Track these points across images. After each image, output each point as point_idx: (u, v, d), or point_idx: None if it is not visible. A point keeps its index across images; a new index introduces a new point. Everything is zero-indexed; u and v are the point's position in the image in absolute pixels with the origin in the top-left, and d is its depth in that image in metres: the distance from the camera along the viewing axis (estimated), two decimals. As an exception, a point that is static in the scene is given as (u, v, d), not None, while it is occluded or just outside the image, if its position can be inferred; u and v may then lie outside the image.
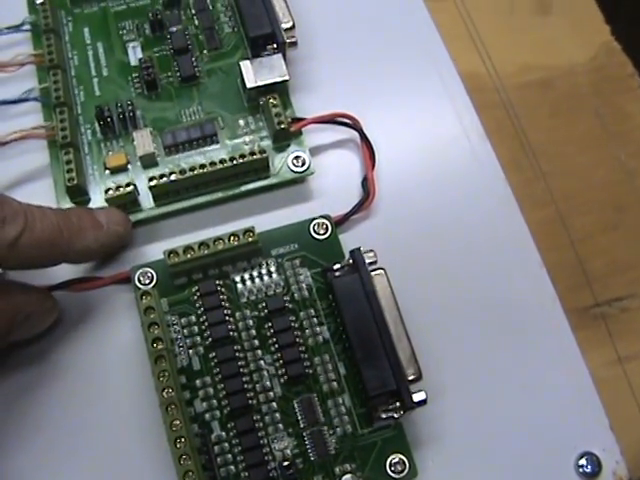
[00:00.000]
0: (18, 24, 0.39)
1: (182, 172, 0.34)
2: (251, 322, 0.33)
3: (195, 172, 0.34)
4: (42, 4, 0.38)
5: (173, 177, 0.34)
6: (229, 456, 0.31)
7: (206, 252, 0.32)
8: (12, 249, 0.28)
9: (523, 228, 0.36)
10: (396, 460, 0.31)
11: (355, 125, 0.36)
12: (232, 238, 0.33)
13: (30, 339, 0.33)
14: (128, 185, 0.34)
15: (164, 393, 0.30)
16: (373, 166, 0.36)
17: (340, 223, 0.35)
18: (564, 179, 0.38)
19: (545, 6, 0.42)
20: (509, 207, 0.37)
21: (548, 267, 0.35)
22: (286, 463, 0.31)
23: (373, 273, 0.32)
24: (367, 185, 0.36)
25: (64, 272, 0.34)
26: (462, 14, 0.41)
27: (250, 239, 0.33)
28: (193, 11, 0.39)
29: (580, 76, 0.41)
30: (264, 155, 0.34)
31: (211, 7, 0.39)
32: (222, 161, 0.34)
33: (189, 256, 0.32)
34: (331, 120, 0.36)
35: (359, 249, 0.33)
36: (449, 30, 0.40)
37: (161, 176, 0.34)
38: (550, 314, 0.35)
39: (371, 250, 0.33)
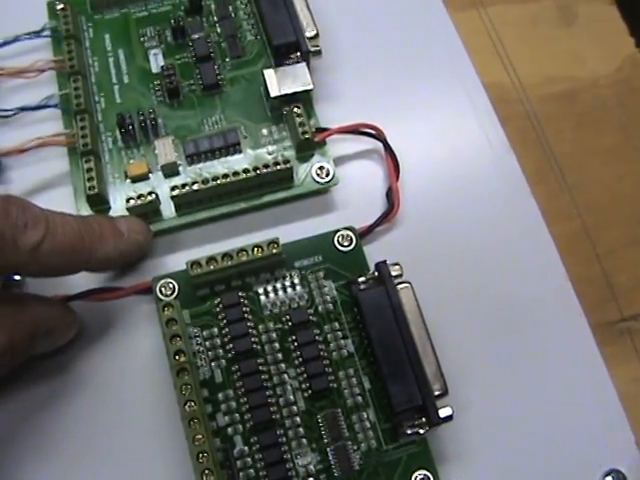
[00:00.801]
0: (38, 30, 0.38)
1: (205, 182, 0.33)
2: (274, 335, 0.32)
3: (218, 182, 0.33)
4: (62, 9, 0.38)
5: (196, 187, 0.33)
6: (252, 471, 0.30)
7: (229, 263, 0.32)
8: (34, 255, 0.27)
9: (548, 241, 0.36)
10: (421, 476, 0.31)
11: (379, 136, 0.36)
12: (256, 249, 0.32)
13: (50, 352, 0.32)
14: (150, 194, 0.33)
15: (186, 407, 0.30)
16: (397, 177, 0.36)
17: (364, 235, 0.35)
18: (589, 192, 0.38)
19: (569, 18, 0.42)
20: (534, 220, 0.36)
21: (573, 281, 0.35)
22: (310, 479, 0.30)
23: (399, 287, 0.32)
24: (391, 196, 0.35)
25: (84, 282, 0.33)
26: (486, 25, 0.41)
27: (274, 251, 0.32)
28: (215, 18, 0.39)
29: (604, 88, 0.40)
30: (288, 165, 0.34)
31: (233, 14, 0.39)
32: (245, 171, 0.33)
33: (212, 267, 0.32)
34: (355, 130, 0.36)
35: (385, 262, 0.32)
36: (473, 41, 0.39)
37: (183, 185, 0.33)
38: (575, 329, 0.34)
39: (397, 263, 0.32)
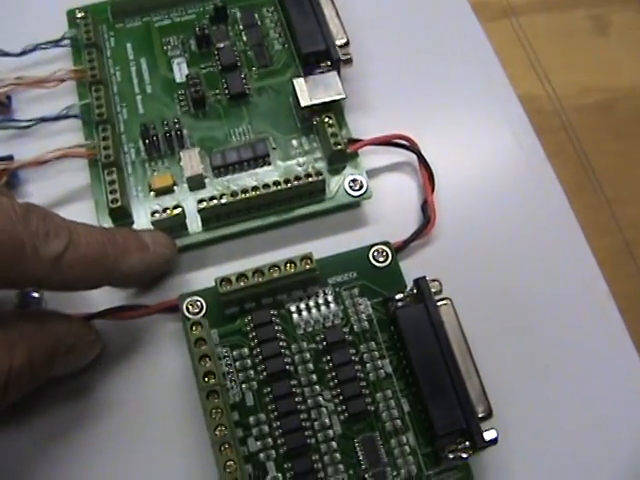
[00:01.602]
0: (58, 39, 0.37)
1: (233, 194, 0.32)
2: (308, 355, 0.31)
3: (247, 195, 0.32)
4: (83, 18, 0.37)
5: (224, 200, 0.32)
6: (286, 500, 0.28)
7: (260, 280, 0.30)
8: (56, 265, 0.26)
9: (589, 257, 0.34)
10: (464, 503, 0.29)
11: (413, 147, 0.35)
12: (289, 265, 0.31)
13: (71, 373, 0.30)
14: (175, 207, 0.31)
15: (216, 431, 0.28)
16: (433, 190, 0.34)
17: (399, 250, 0.33)
18: (630, 206, 0.36)
19: (602, 26, 0.40)
20: (574, 234, 0.35)
21: (615, 296, 0.33)
22: (348, 507, 0.28)
23: (439, 303, 0.30)
24: (427, 210, 0.34)
25: (106, 300, 0.32)
26: (519, 35, 0.40)
27: (308, 266, 0.31)
28: (241, 26, 0.38)
29: (642, 98, 0.39)
30: (321, 177, 0.32)
31: (259, 22, 0.38)
32: (276, 183, 0.32)
33: (242, 284, 0.30)
34: (388, 142, 0.34)
35: (424, 278, 0.30)
36: (506, 51, 0.38)
37: (211, 199, 0.32)
38: (619, 346, 0.33)
39: (436, 279, 0.31)
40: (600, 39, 0.40)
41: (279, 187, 0.32)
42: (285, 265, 0.31)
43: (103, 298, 0.32)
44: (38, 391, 0.28)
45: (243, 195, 0.32)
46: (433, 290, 0.31)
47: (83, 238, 0.27)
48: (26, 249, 0.25)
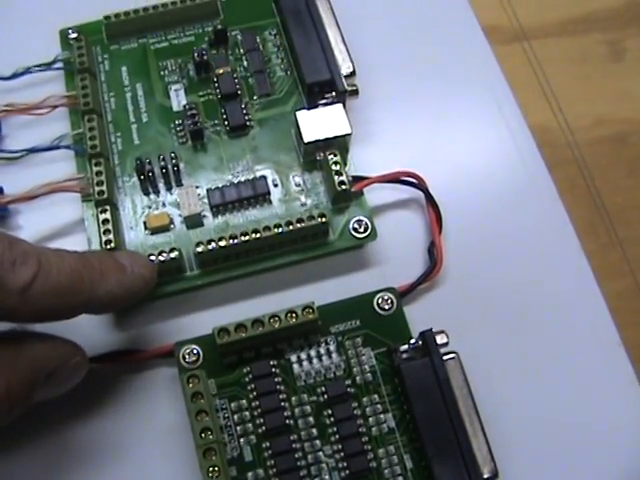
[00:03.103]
0: (50, 62, 0.35)
1: (232, 237, 0.30)
2: (309, 409, 0.29)
3: (247, 238, 0.30)
4: (76, 39, 0.35)
5: (222, 243, 0.30)
6: None
7: (260, 331, 0.29)
8: (24, 297, 0.24)
9: (600, 301, 0.33)
10: None
11: (420, 185, 0.33)
12: (289, 315, 0.29)
13: (60, 413, 0.30)
14: (172, 251, 0.30)
15: (214, 492, 0.27)
16: (440, 230, 0.33)
17: (404, 294, 0.32)
18: (643, 246, 0.35)
19: (618, 53, 0.39)
20: (585, 278, 0.34)
21: (627, 345, 0.32)
22: None
23: (445, 357, 0.29)
24: (434, 252, 0.32)
25: (100, 343, 0.31)
26: (531, 60, 0.38)
27: (310, 317, 0.29)
28: (242, 50, 0.36)
29: (658, 131, 0.37)
30: (324, 220, 0.31)
31: (261, 47, 0.36)
32: (277, 226, 0.31)
33: (242, 335, 0.29)
34: (395, 180, 0.33)
35: (431, 331, 0.29)
36: (518, 78, 0.37)
37: (209, 242, 0.30)
38: (630, 397, 0.32)
39: (442, 331, 0.30)
40: (615, 65, 0.39)
41: (280, 230, 0.31)
42: (286, 315, 0.29)
43: (96, 341, 0.31)
44: (24, 423, 0.27)
45: (242, 238, 0.30)
46: (440, 342, 0.29)
47: (54, 265, 0.25)
48: None
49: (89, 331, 0.31)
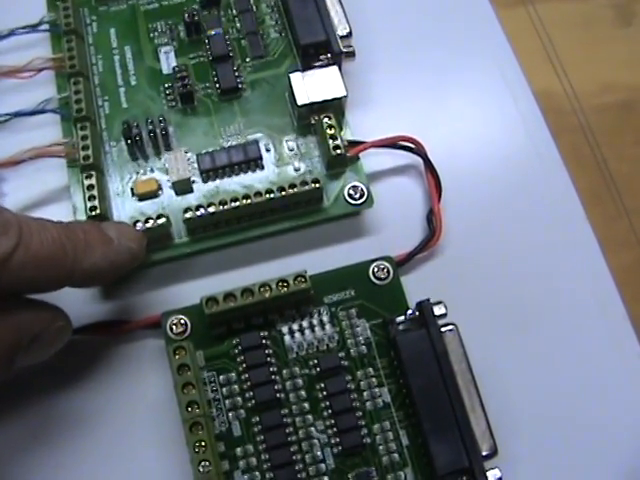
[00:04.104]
0: (35, 23, 0.34)
1: (222, 203, 0.29)
2: (300, 382, 0.28)
3: (237, 204, 0.29)
4: (63, 0, 0.33)
5: (212, 209, 0.29)
6: (274, 538, 0.26)
7: (250, 300, 0.28)
8: (4, 267, 0.23)
9: (605, 274, 0.32)
10: None
11: (419, 150, 0.32)
12: (281, 284, 0.28)
13: (44, 385, 0.29)
14: (159, 217, 0.29)
15: (200, 467, 0.26)
16: (439, 198, 0.31)
17: (401, 263, 0.31)
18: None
19: (627, 17, 0.37)
20: (590, 249, 0.32)
21: (634, 320, 0.31)
22: None
23: (443, 329, 0.28)
24: (433, 220, 0.31)
25: (86, 313, 0.30)
26: (536, 25, 0.36)
27: (302, 286, 0.28)
28: (234, 12, 0.35)
29: (667, 97, 0.36)
30: (318, 185, 0.29)
31: (255, 8, 0.35)
32: (269, 191, 0.29)
33: (231, 305, 0.28)
34: (392, 144, 0.31)
35: (428, 301, 0.28)
36: (521, 43, 0.35)
37: (198, 208, 0.29)
38: (634, 372, 0.30)
39: (440, 302, 0.28)
40: (623, 30, 0.37)
41: (272, 196, 0.29)
42: (277, 284, 0.28)
43: (82, 311, 0.30)
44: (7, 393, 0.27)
45: (233, 204, 0.29)
46: (438, 313, 0.28)
47: (36, 235, 0.24)
48: None
49: (75, 300, 0.30)
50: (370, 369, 0.29)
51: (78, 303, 0.30)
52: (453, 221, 0.32)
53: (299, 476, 0.27)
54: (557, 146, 0.34)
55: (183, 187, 0.31)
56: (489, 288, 0.31)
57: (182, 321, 0.29)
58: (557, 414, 0.30)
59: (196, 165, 0.31)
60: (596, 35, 0.37)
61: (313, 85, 0.31)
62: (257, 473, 0.27)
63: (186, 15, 0.34)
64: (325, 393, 0.28)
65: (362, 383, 0.29)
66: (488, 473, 0.27)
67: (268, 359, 0.28)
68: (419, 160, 0.32)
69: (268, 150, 0.32)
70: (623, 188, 0.34)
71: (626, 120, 0.35)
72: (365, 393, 0.28)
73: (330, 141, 0.30)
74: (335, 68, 0.32)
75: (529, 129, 0.34)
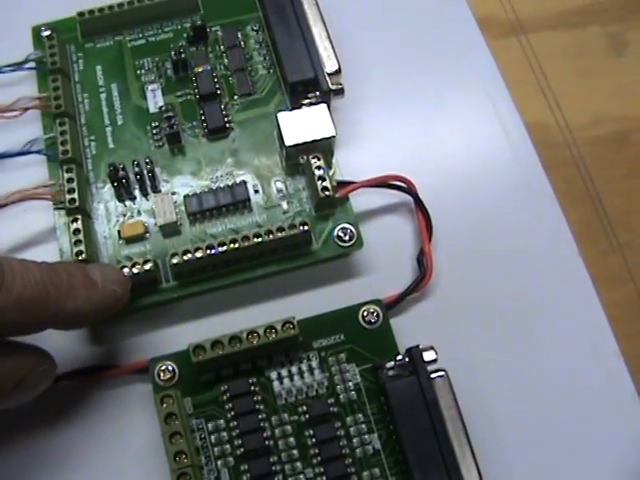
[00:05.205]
0: (21, 61, 0.34)
1: (209, 247, 0.29)
2: (289, 429, 0.28)
3: (225, 248, 0.29)
4: (49, 37, 0.33)
5: (199, 254, 0.29)
6: None
7: (238, 348, 0.28)
8: None
9: (598, 310, 0.32)
10: None
11: (410, 190, 0.32)
12: (269, 331, 0.28)
13: (30, 429, 0.29)
14: (146, 262, 0.29)
15: (188, 520, 0.26)
16: (430, 237, 0.31)
17: (391, 305, 0.30)
18: (643, 252, 0.33)
19: (619, 47, 0.37)
20: (582, 286, 0.32)
21: (626, 357, 0.31)
22: None
23: (433, 375, 0.28)
24: (424, 261, 0.31)
25: (71, 359, 0.29)
26: (527, 55, 0.36)
27: (291, 332, 0.28)
28: (222, 48, 0.34)
29: (659, 129, 0.36)
30: (306, 228, 0.29)
31: (243, 44, 0.34)
32: (257, 235, 0.29)
33: (219, 353, 0.27)
34: (383, 184, 0.31)
35: (418, 347, 0.28)
36: (513, 73, 0.35)
37: (184, 252, 0.29)
38: (628, 411, 0.30)
39: (431, 347, 0.28)
40: (616, 60, 0.37)
41: (260, 240, 0.29)
42: (265, 331, 0.28)
43: (68, 355, 0.30)
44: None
45: (220, 249, 0.29)
46: (428, 359, 0.28)
47: (19, 278, 0.24)
48: None
49: (61, 344, 0.30)
50: (360, 415, 0.28)
51: (65, 346, 0.30)
52: (444, 260, 0.32)
53: (289, 525, 0.27)
54: (549, 179, 0.34)
55: (170, 230, 0.30)
56: (481, 328, 0.31)
57: (170, 367, 0.29)
58: (553, 456, 0.29)
59: (183, 208, 0.31)
60: (589, 65, 0.37)
61: (301, 124, 0.31)
62: (246, 523, 0.27)
63: (173, 52, 0.33)
64: (314, 440, 0.28)
65: (352, 429, 0.28)
66: (479, 522, 0.26)
67: (257, 406, 0.28)
68: (409, 199, 0.32)
69: (256, 191, 0.31)
70: (616, 222, 0.33)
71: (618, 153, 0.35)
72: (355, 440, 0.28)
73: (319, 182, 0.30)
74: (324, 106, 0.31)
75: (521, 162, 0.34)
